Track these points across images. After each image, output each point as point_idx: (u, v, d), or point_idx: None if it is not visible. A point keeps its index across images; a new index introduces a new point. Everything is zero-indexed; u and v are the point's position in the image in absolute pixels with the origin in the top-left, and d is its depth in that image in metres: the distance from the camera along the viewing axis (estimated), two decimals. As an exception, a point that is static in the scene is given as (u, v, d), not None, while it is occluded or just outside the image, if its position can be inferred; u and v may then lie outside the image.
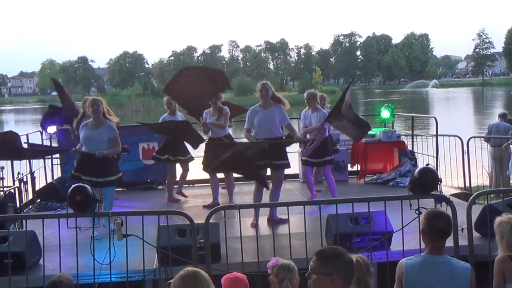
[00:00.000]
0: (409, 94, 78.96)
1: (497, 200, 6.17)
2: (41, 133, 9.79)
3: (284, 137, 7.33)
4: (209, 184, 8.59)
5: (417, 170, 5.20)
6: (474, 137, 9.88)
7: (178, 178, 9.13)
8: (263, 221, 7.06)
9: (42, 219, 5.20)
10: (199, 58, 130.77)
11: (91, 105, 6.78)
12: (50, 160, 9.84)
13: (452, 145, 9.29)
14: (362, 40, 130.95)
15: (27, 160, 8.83)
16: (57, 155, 9.81)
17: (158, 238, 5.31)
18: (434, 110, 44.40)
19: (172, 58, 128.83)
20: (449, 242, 4.07)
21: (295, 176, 10.45)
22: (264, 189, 7.04)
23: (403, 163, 9.88)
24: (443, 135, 9.66)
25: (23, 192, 8.51)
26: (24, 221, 6.36)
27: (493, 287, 4.03)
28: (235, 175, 8.30)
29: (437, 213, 3.54)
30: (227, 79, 7.06)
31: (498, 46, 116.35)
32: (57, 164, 9.98)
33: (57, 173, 9.93)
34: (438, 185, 5.47)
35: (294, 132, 7.42)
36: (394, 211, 5.27)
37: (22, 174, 8.56)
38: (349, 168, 10.53)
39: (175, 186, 9.15)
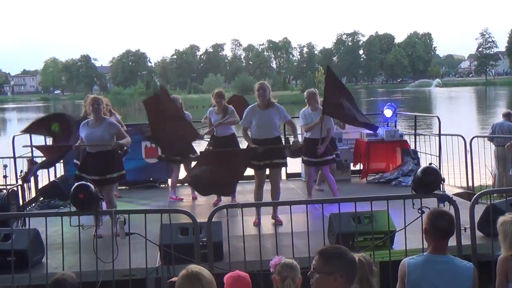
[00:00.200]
0: (412, 93, 78.74)
1: (500, 200, 6.17)
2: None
3: (280, 137, 7.33)
4: None
5: (420, 170, 5.18)
6: (477, 136, 9.88)
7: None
8: (265, 220, 7.05)
9: (45, 217, 5.20)
10: (202, 56, 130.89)
11: (91, 104, 6.79)
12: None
13: (455, 144, 9.29)
14: (365, 39, 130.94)
15: (29, 159, 8.81)
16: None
17: (161, 237, 5.33)
18: (437, 110, 44.34)
19: (175, 56, 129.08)
20: (452, 242, 4.07)
21: (297, 175, 10.45)
22: (265, 188, 7.04)
23: (406, 162, 9.88)
24: (446, 135, 9.65)
25: (26, 190, 8.52)
26: (27, 219, 6.37)
27: (496, 286, 4.03)
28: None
29: (440, 212, 3.54)
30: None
31: (502, 45, 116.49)
32: (60, 162, 9.98)
33: (60, 171, 9.95)
34: (441, 185, 5.43)
35: (295, 128, 7.51)
36: (396, 210, 5.27)
37: (25, 173, 8.55)
38: (352, 167, 10.54)
39: (178, 184, 9.14)
